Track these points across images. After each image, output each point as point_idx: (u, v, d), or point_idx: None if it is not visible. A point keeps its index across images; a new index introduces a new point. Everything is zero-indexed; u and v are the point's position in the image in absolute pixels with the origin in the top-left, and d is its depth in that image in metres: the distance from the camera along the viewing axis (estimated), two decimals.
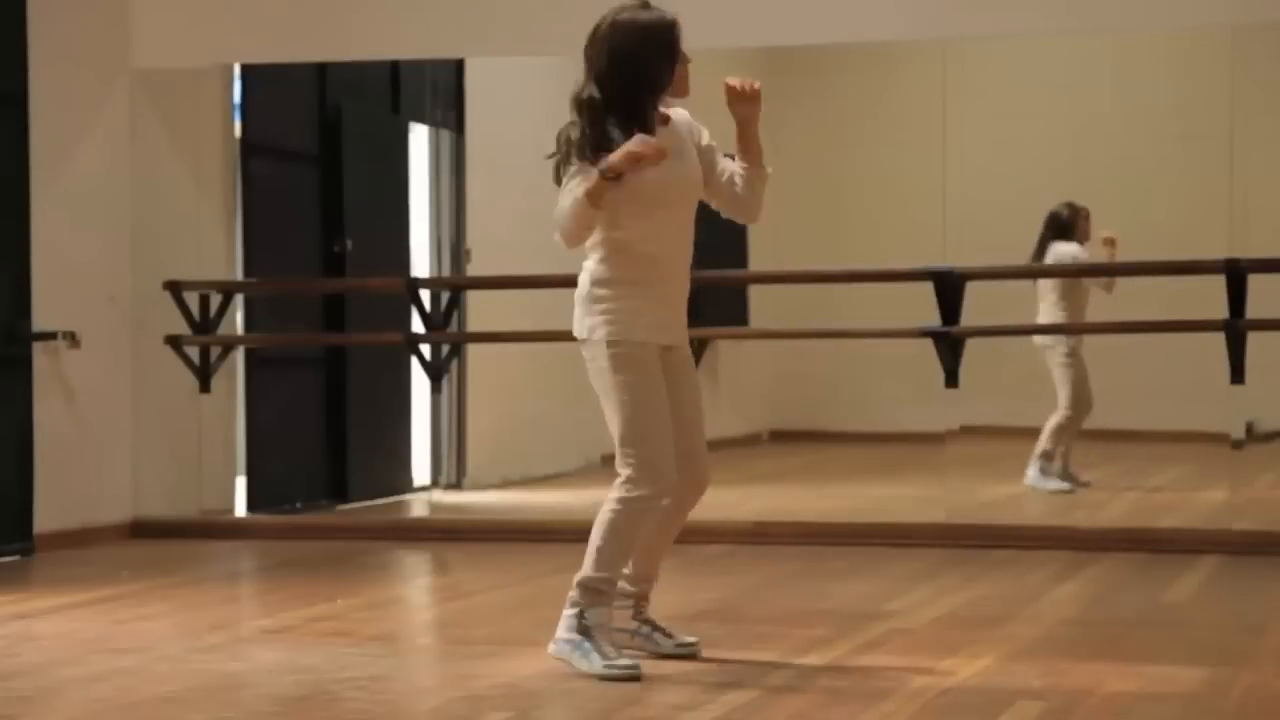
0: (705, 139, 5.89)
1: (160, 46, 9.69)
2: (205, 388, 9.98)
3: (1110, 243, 10.72)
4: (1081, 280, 10.87)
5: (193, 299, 9.94)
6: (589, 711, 5.32)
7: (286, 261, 10.54)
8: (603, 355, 5.69)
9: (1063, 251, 10.91)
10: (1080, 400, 11.03)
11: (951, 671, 5.78)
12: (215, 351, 10.01)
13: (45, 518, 8.95)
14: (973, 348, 9.28)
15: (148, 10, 9.66)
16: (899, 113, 13.52)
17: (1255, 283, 8.84)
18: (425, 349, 10.22)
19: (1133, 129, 13.30)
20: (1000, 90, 13.15)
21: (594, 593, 5.74)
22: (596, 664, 5.68)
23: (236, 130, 10.26)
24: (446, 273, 11.73)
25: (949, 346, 9.16)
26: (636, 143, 5.57)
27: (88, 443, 9.33)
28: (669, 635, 5.96)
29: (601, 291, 5.72)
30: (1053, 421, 11.03)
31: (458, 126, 11.75)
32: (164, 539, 9.47)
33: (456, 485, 11.66)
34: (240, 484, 10.26)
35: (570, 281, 5.87)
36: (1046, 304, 10.97)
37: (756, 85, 5.75)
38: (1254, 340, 8.87)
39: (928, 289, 9.19)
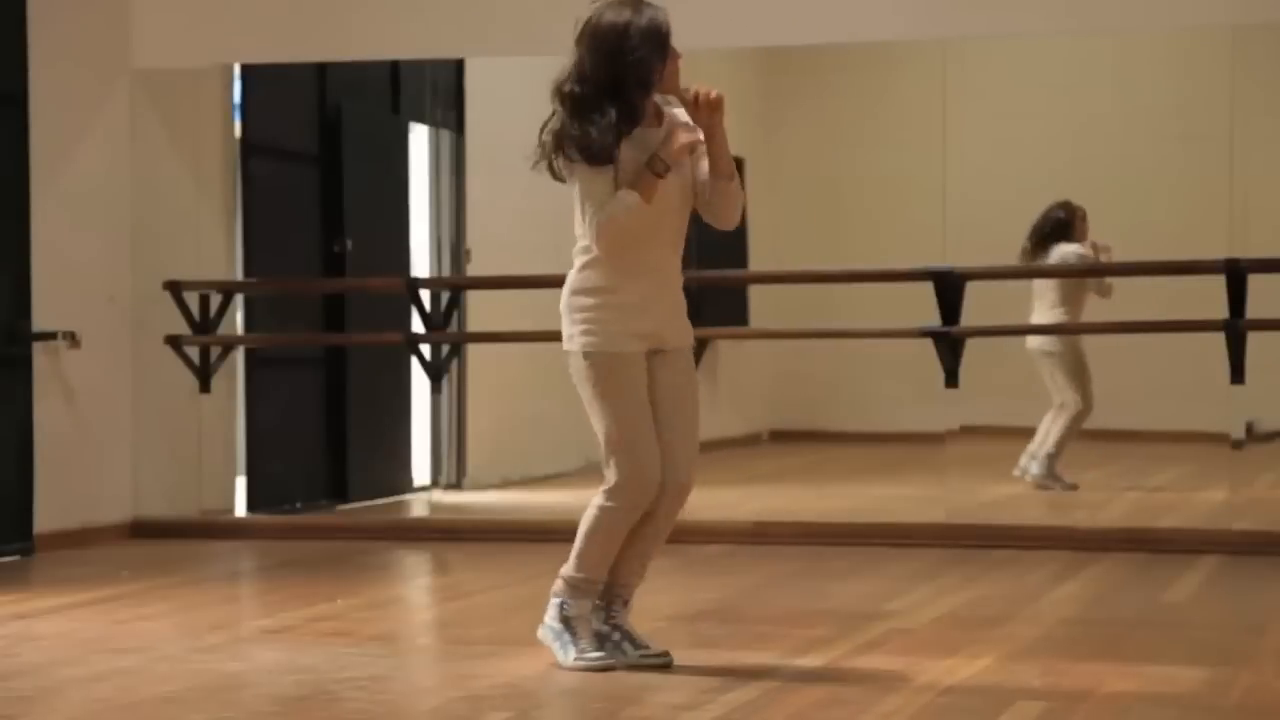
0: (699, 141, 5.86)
1: (160, 46, 9.69)
2: (205, 388, 9.99)
3: (1103, 250, 10.73)
4: (1084, 281, 10.87)
5: (193, 299, 9.94)
6: (589, 711, 5.32)
7: (286, 261, 10.54)
8: (583, 365, 5.72)
9: (1067, 252, 10.91)
10: (1089, 398, 11.03)
11: (951, 671, 5.78)
12: (215, 351, 10.01)
13: (45, 518, 8.95)
14: (973, 348, 9.28)
15: (148, 10, 9.66)
16: (899, 113, 13.52)
17: (1255, 283, 8.84)
18: (425, 349, 10.22)
19: (1133, 129, 13.29)
20: (1000, 90, 13.15)
21: (574, 588, 5.81)
22: (570, 656, 5.76)
23: (236, 130, 10.26)
24: (446, 273, 11.73)
25: (949, 346, 9.16)
26: (686, 135, 5.64)
27: (88, 443, 9.33)
28: (637, 645, 5.85)
29: (581, 300, 5.74)
30: (1063, 420, 11.03)
31: (458, 126, 11.75)
32: (164, 539, 9.47)
33: (456, 485, 11.66)
34: (240, 484, 10.26)
35: None
36: (1044, 304, 10.95)
37: (717, 94, 5.70)
38: (1254, 340, 8.87)
39: (928, 289, 9.19)
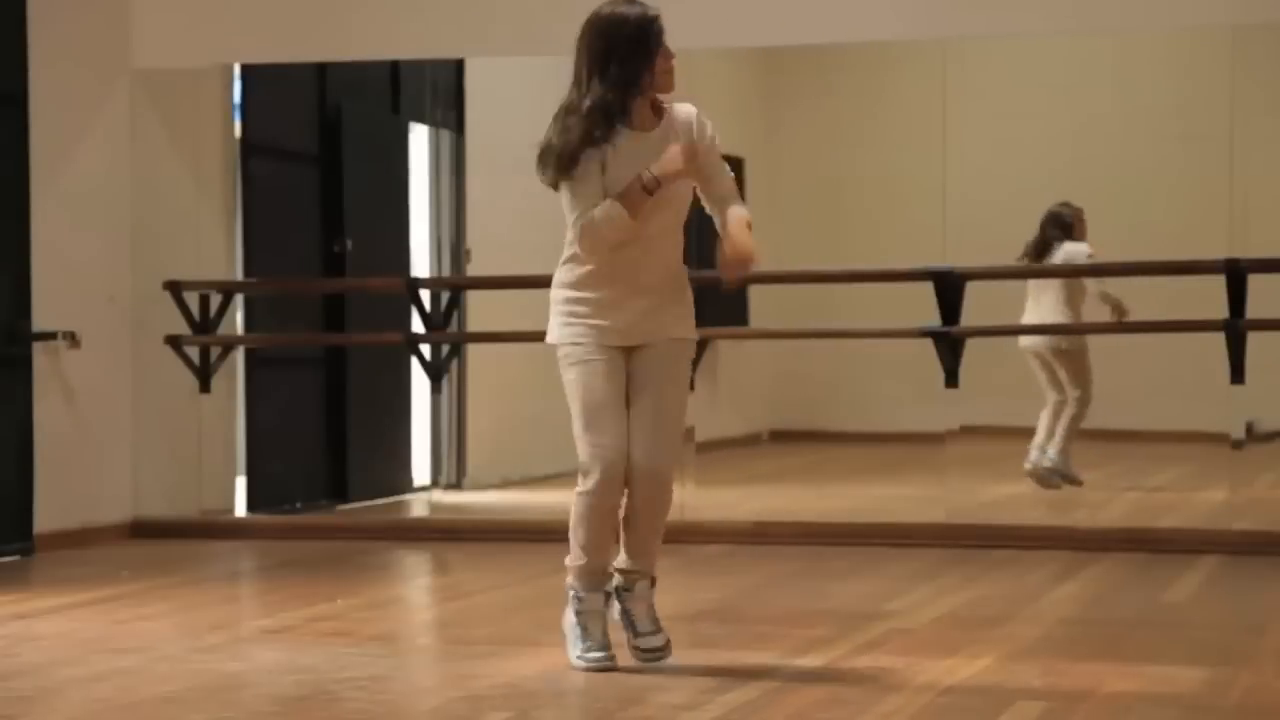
0: (709, 140, 5.83)
1: (160, 46, 9.69)
2: (205, 388, 9.99)
3: (1115, 302, 10.77)
4: (1084, 282, 10.87)
5: (193, 299, 9.94)
6: (589, 711, 5.32)
7: (286, 261, 10.54)
8: (559, 356, 5.83)
9: (1074, 251, 10.90)
10: (1090, 392, 11.06)
11: (951, 671, 5.78)
12: (215, 351, 10.01)
13: (45, 518, 8.95)
14: (973, 348, 9.28)
15: (148, 10, 9.66)
16: (899, 113, 13.51)
17: (1255, 283, 8.84)
18: (425, 349, 10.22)
19: (1133, 129, 13.29)
20: (1000, 90, 13.15)
21: (576, 577, 5.84)
22: (574, 654, 5.80)
23: (236, 130, 10.26)
24: (446, 273, 11.73)
25: (949, 346, 9.16)
26: (673, 160, 5.64)
27: (88, 443, 9.33)
28: (637, 633, 5.86)
29: (562, 294, 5.82)
30: (1069, 416, 11.04)
31: (458, 126, 11.75)
32: (164, 539, 9.47)
33: (456, 485, 11.66)
34: (240, 484, 10.26)
35: None
36: (1047, 302, 10.94)
37: (751, 257, 5.76)
38: (1254, 340, 8.87)
39: (928, 289, 9.19)
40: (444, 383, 11.13)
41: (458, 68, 11.67)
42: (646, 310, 5.78)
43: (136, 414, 9.64)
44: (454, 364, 11.22)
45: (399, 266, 11.11)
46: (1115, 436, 12.29)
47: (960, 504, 9.78)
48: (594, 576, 5.83)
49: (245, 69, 10.18)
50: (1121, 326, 10.66)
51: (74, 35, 9.29)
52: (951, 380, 9.21)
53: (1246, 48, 10.14)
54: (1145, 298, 10.00)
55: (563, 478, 11.70)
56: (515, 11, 9.39)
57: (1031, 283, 11.05)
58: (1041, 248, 10.99)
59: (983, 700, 5.35)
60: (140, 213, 9.68)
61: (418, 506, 11.11)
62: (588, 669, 5.74)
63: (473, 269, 11.62)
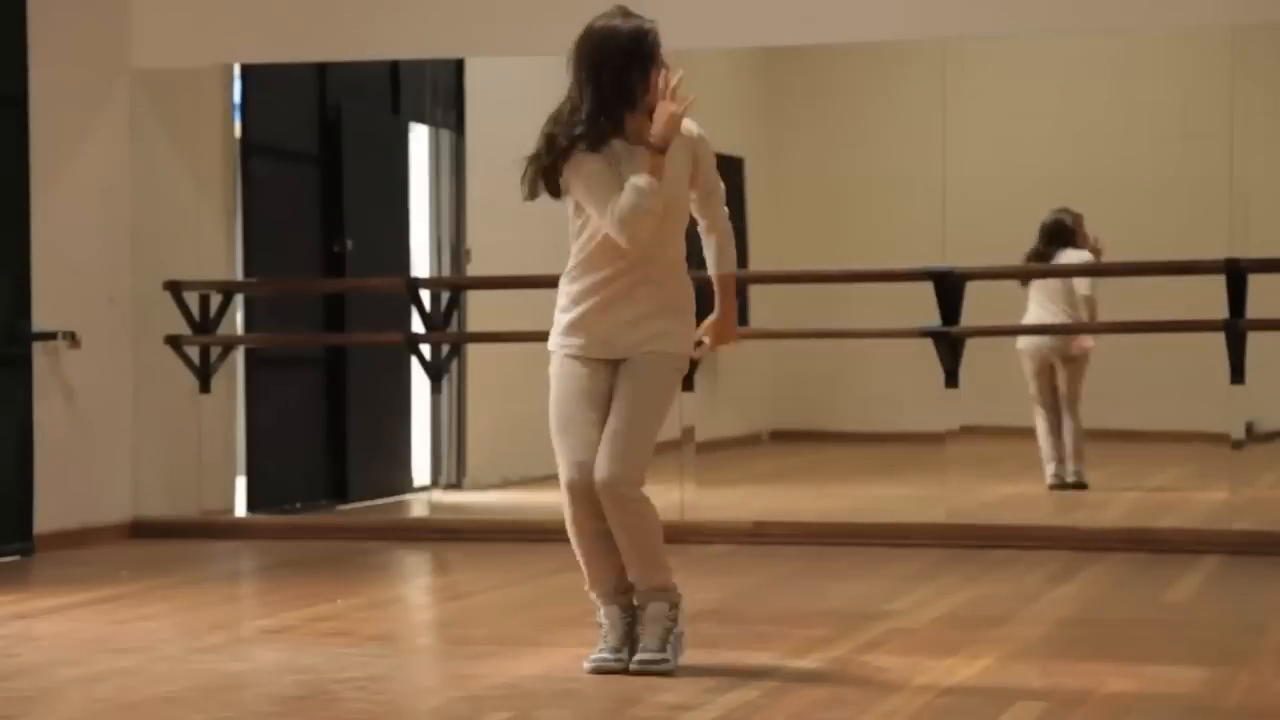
0: (707, 160, 5.81)
1: (160, 46, 9.69)
2: (205, 388, 9.99)
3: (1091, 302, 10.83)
4: (1078, 290, 10.88)
5: (193, 299, 9.94)
6: (589, 711, 5.32)
7: (286, 261, 10.54)
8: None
9: (1077, 260, 10.90)
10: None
11: (951, 671, 5.78)
12: (215, 351, 10.01)
13: (45, 518, 8.95)
14: (973, 348, 9.28)
15: (148, 10, 9.66)
16: (899, 113, 13.51)
17: (1255, 283, 8.84)
18: (425, 349, 10.22)
19: (1133, 129, 13.29)
20: (1000, 90, 13.15)
21: (588, 591, 5.85)
22: (590, 658, 5.80)
23: (236, 130, 10.26)
24: (446, 273, 11.73)
25: (949, 346, 9.16)
26: (665, 111, 5.59)
27: (88, 443, 9.33)
28: (635, 649, 5.80)
29: (559, 301, 5.84)
30: (1073, 425, 11.06)
31: (458, 126, 11.75)
32: (164, 539, 9.47)
33: (456, 485, 11.66)
34: (240, 484, 10.26)
35: None
36: (1055, 307, 10.93)
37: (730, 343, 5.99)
38: (1254, 340, 8.87)
39: (928, 289, 9.19)
40: (444, 383, 11.12)
41: (458, 68, 11.67)
42: (632, 323, 5.73)
43: (136, 414, 9.64)
44: (454, 364, 11.22)
45: (399, 266, 11.11)
46: (1115, 436, 12.29)
47: (960, 504, 9.78)
48: (600, 588, 5.82)
49: (245, 69, 10.18)
50: (1121, 326, 10.65)
51: (74, 35, 9.29)
52: (951, 380, 9.21)
53: (1246, 48, 10.13)
54: (1145, 298, 9.99)
55: None
56: (515, 11, 9.39)
57: (1032, 291, 11.04)
58: (1042, 258, 10.96)
59: (983, 700, 5.36)
60: (140, 213, 9.68)
61: (418, 506, 11.10)
62: (589, 669, 5.74)
63: (473, 269, 11.62)
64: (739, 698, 5.39)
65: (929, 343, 9.22)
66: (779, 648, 6.20)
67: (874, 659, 6.01)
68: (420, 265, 11.56)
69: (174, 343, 9.85)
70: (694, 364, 6.11)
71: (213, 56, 9.94)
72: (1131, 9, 9.02)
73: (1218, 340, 8.83)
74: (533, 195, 5.75)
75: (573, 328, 5.77)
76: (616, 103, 5.62)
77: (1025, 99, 13.35)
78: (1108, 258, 11.01)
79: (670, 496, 8.93)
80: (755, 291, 13.06)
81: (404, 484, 11.33)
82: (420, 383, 11.05)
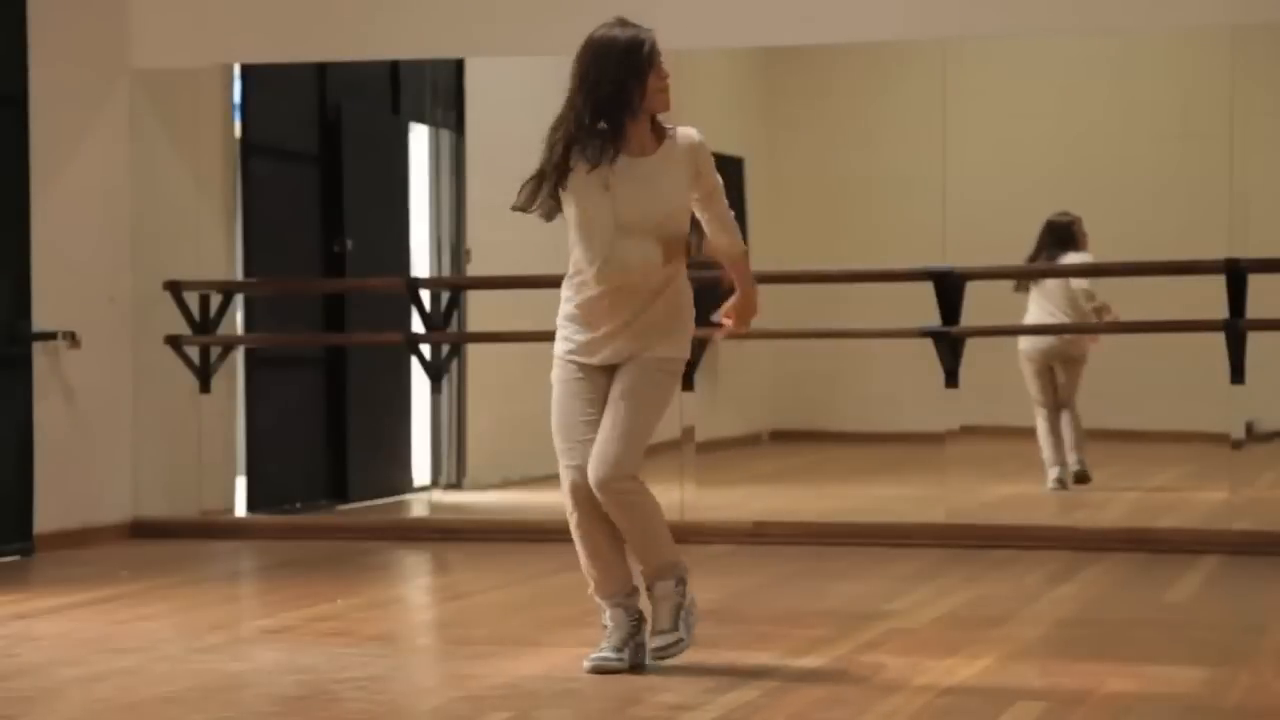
0: (707, 167, 5.83)
1: (160, 46, 9.69)
2: (205, 388, 9.99)
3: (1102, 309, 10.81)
4: (1077, 297, 10.87)
5: (193, 299, 9.94)
6: (589, 711, 5.32)
7: (286, 261, 10.54)
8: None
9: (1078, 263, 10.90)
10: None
11: (951, 671, 5.78)
12: (215, 351, 10.01)
13: (45, 518, 8.95)
14: (973, 348, 9.28)
15: (148, 10, 9.66)
16: (899, 113, 13.51)
17: (1255, 283, 8.84)
18: (425, 349, 10.22)
19: (1133, 129, 13.29)
20: (1000, 90, 13.15)
21: (594, 596, 5.86)
22: (590, 658, 5.81)
23: (236, 130, 10.26)
24: (446, 273, 11.73)
25: (949, 346, 9.16)
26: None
27: (88, 443, 9.33)
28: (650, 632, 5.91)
29: (561, 310, 5.86)
30: (1073, 420, 11.06)
31: (458, 126, 11.75)
32: (164, 539, 9.47)
33: (456, 485, 11.66)
34: (240, 484, 10.26)
35: None
36: (1054, 308, 10.93)
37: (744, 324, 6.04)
38: (1254, 340, 8.87)
39: (928, 289, 9.19)
40: (444, 383, 11.12)
41: (458, 68, 11.67)
42: (632, 329, 5.76)
43: (136, 414, 9.64)
44: (454, 364, 11.22)
45: (399, 266, 11.11)
46: (1115, 436, 12.28)
47: (960, 504, 9.78)
48: (604, 589, 5.83)
49: (245, 69, 10.18)
50: (1122, 326, 10.65)
51: (74, 35, 9.29)
52: (951, 380, 9.21)
53: (1246, 48, 10.13)
54: (1145, 298, 9.99)
55: None
56: (515, 11, 9.39)
57: (1032, 294, 11.03)
58: (1042, 259, 10.96)
59: (983, 700, 5.36)
60: (140, 213, 9.68)
61: (418, 506, 11.10)
62: (590, 669, 5.74)
63: (473, 269, 11.62)
64: (739, 698, 5.39)
65: (929, 343, 9.22)
66: (779, 648, 6.20)
67: (874, 659, 6.01)
68: (420, 265, 11.56)
69: (174, 343, 9.85)
70: (693, 363, 6.13)
71: (213, 56, 9.94)
72: (1131, 9, 9.02)
73: (1218, 340, 8.83)
74: (549, 217, 5.79)
75: (575, 333, 5.80)
76: (616, 112, 5.65)
77: (1025, 99, 13.35)
78: (1108, 258, 11.00)
79: (670, 496, 8.92)
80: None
81: (404, 484, 11.33)
82: (420, 383, 11.05)
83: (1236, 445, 9.50)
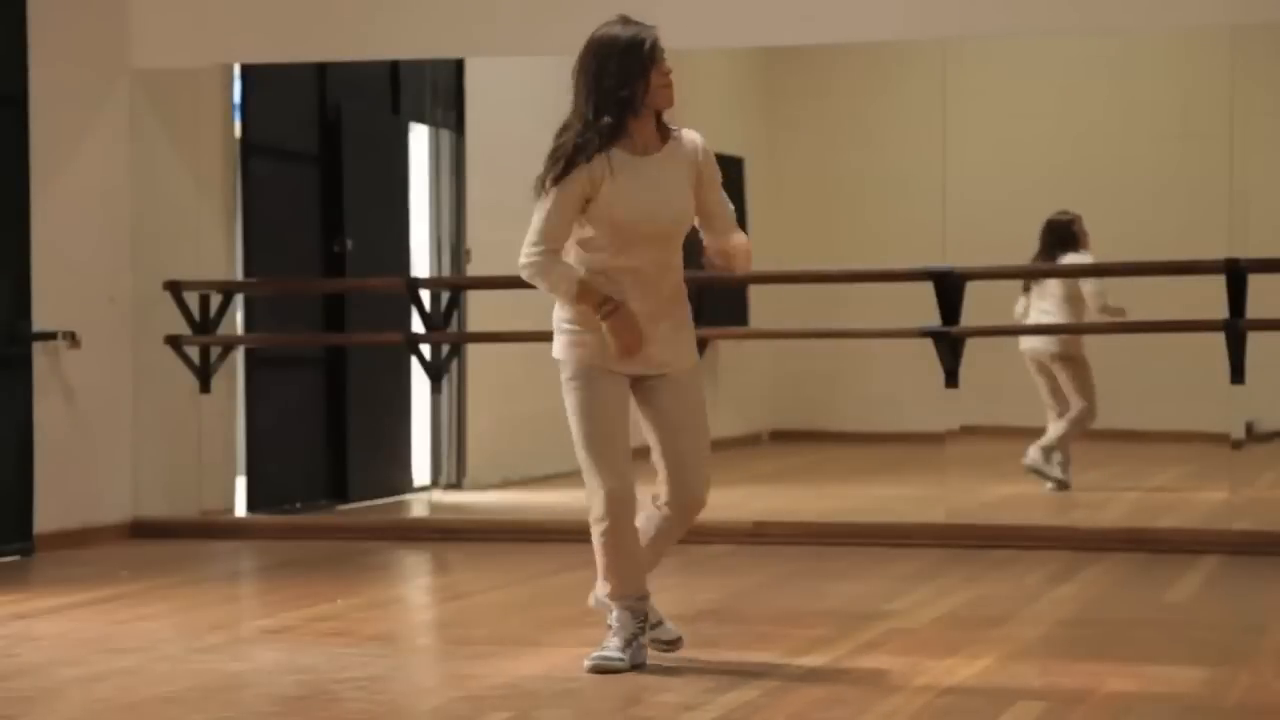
0: (710, 170, 5.83)
1: (160, 46, 9.69)
2: (205, 388, 9.99)
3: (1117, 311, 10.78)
4: (1084, 295, 10.86)
5: (193, 299, 9.94)
6: (589, 711, 5.32)
7: (286, 261, 10.54)
8: (565, 381, 5.80)
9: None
10: (1094, 402, 11.05)
11: (951, 671, 5.78)
12: (215, 351, 10.01)
13: (45, 518, 8.95)
14: (973, 348, 9.28)
15: (148, 10, 9.66)
16: (899, 113, 13.51)
17: (1255, 283, 8.84)
18: (425, 349, 10.22)
19: (1133, 129, 13.29)
20: (1000, 90, 13.14)
21: (607, 602, 5.85)
22: (592, 655, 5.80)
23: (236, 130, 10.26)
24: (446, 273, 11.73)
25: (949, 346, 9.16)
26: (630, 345, 5.70)
27: (88, 443, 9.33)
28: (652, 625, 5.91)
29: (566, 313, 5.80)
30: (1067, 419, 11.04)
31: (458, 126, 11.75)
32: (164, 539, 9.47)
33: (456, 485, 11.66)
34: (240, 484, 10.26)
35: None
36: (1049, 308, 10.92)
37: (739, 262, 5.86)
38: (1254, 340, 8.86)
39: (928, 289, 9.19)
40: (444, 383, 11.12)
41: (458, 68, 11.67)
42: (659, 339, 5.76)
43: (136, 414, 9.64)
44: (454, 364, 11.21)
45: (399, 266, 11.11)
46: (1115, 436, 12.28)
47: (960, 504, 9.79)
48: (623, 590, 5.82)
49: (245, 69, 10.18)
50: (1121, 326, 10.65)
51: (74, 35, 9.29)
52: (951, 380, 9.21)
53: (1246, 48, 10.14)
54: (1145, 298, 9.99)
55: (562, 478, 11.76)
56: (515, 11, 9.39)
57: (1032, 294, 11.03)
58: (1044, 260, 10.95)
59: (983, 700, 5.36)
60: (140, 213, 9.68)
61: (418, 506, 11.10)
62: (600, 669, 5.72)
63: (473, 269, 11.62)
64: (739, 698, 5.39)
65: (929, 343, 9.22)
66: (779, 648, 6.20)
67: (874, 659, 6.01)
68: (420, 265, 11.56)
69: (174, 343, 9.85)
70: None
71: (213, 56, 9.94)
72: (1131, 9, 9.02)
73: (1218, 340, 8.83)
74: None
75: (599, 343, 5.73)
76: (619, 109, 5.64)
77: (1025, 99, 13.35)
78: (1108, 258, 11.00)
79: None
80: (755, 291, 13.08)
81: (404, 484, 11.33)
82: (420, 383, 11.05)
83: (1236, 445, 9.52)
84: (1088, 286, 10.82)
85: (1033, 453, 11.12)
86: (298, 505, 10.38)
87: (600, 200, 5.68)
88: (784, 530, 9.19)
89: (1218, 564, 8.31)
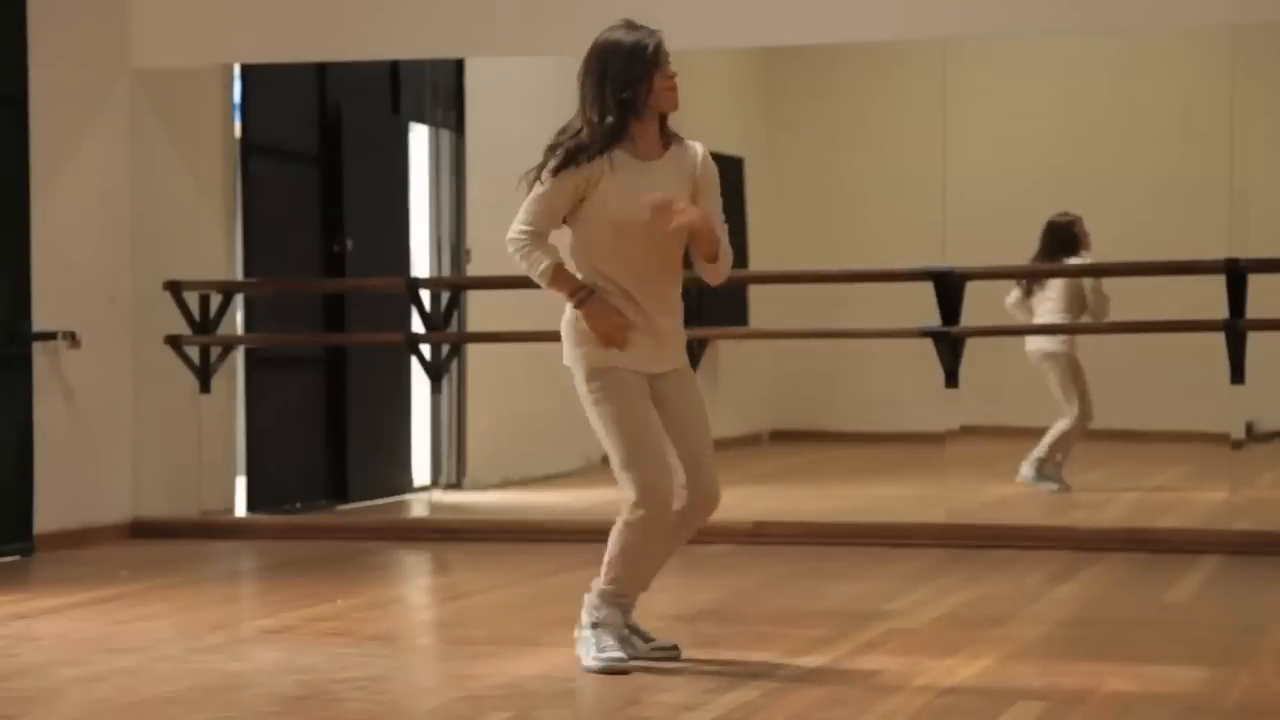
0: (709, 182, 5.84)
1: (160, 46, 9.69)
2: (205, 388, 9.99)
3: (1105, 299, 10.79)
4: (1083, 294, 10.85)
5: (193, 299, 9.94)
6: (589, 711, 5.32)
7: (286, 261, 10.54)
8: (586, 387, 5.77)
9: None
10: (1089, 406, 11.03)
11: (951, 671, 5.78)
12: (215, 351, 10.01)
13: (45, 518, 8.95)
14: (973, 348, 9.28)
15: (148, 10, 9.66)
16: (899, 113, 13.51)
17: (1255, 283, 8.84)
18: (425, 349, 10.22)
19: (1133, 129, 13.28)
20: (1000, 90, 13.14)
21: (604, 597, 5.83)
22: (588, 657, 5.78)
23: (236, 130, 10.26)
24: (446, 273, 11.73)
25: (949, 346, 9.16)
26: (612, 335, 5.71)
27: (88, 443, 9.33)
28: (646, 639, 5.92)
29: (584, 324, 5.78)
30: (1060, 427, 11.02)
31: (458, 126, 11.75)
32: (164, 539, 9.47)
33: (456, 485, 11.66)
34: (240, 484, 10.26)
35: None
36: (1046, 309, 10.92)
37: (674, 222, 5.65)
38: (1254, 340, 8.86)
39: (928, 289, 9.19)
40: (444, 383, 11.12)
41: (458, 68, 11.67)
42: (668, 338, 5.80)
43: (136, 414, 9.64)
44: (454, 364, 11.21)
45: (399, 266, 11.11)
46: (1115, 436, 12.28)
47: (960, 504, 9.79)
48: (634, 589, 5.85)
49: (245, 69, 10.18)
50: (1122, 326, 10.65)
51: (74, 35, 9.29)
52: (951, 380, 9.21)
53: (1246, 48, 10.13)
54: (1145, 298, 9.99)
55: (563, 478, 11.77)
56: (515, 11, 9.39)
57: (1034, 297, 11.02)
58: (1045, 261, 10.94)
59: (983, 700, 5.36)
60: (140, 213, 9.68)
61: (418, 506, 11.10)
62: (605, 670, 5.71)
63: (473, 269, 11.62)
64: (739, 698, 5.39)
65: (929, 343, 9.22)
66: (779, 648, 6.20)
67: (874, 659, 6.01)
68: (420, 265, 11.56)
69: (174, 343, 9.85)
70: (692, 363, 6.13)
71: (213, 56, 9.94)
72: (1131, 9, 9.02)
73: (1218, 340, 8.83)
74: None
75: (626, 344, 5.74)
76: (621, 111, 5.65)
77: (1025, 99, 13.34)
78: (1108, 258, 11.00)
79: None
80: (755, 291, 13.08)
81: (404, 484, 11.33)
82: (420, 383, 11.05)
83: (1236, 445, 9.52)
84: (1089, 285, 10.82)
85: (1025, 470, 11.09)
86: (298, 505, 10.38)
87: (595, 199, 5.69)
88: (784, 530, 9.19)
89: (1218, 564, 8.31)
